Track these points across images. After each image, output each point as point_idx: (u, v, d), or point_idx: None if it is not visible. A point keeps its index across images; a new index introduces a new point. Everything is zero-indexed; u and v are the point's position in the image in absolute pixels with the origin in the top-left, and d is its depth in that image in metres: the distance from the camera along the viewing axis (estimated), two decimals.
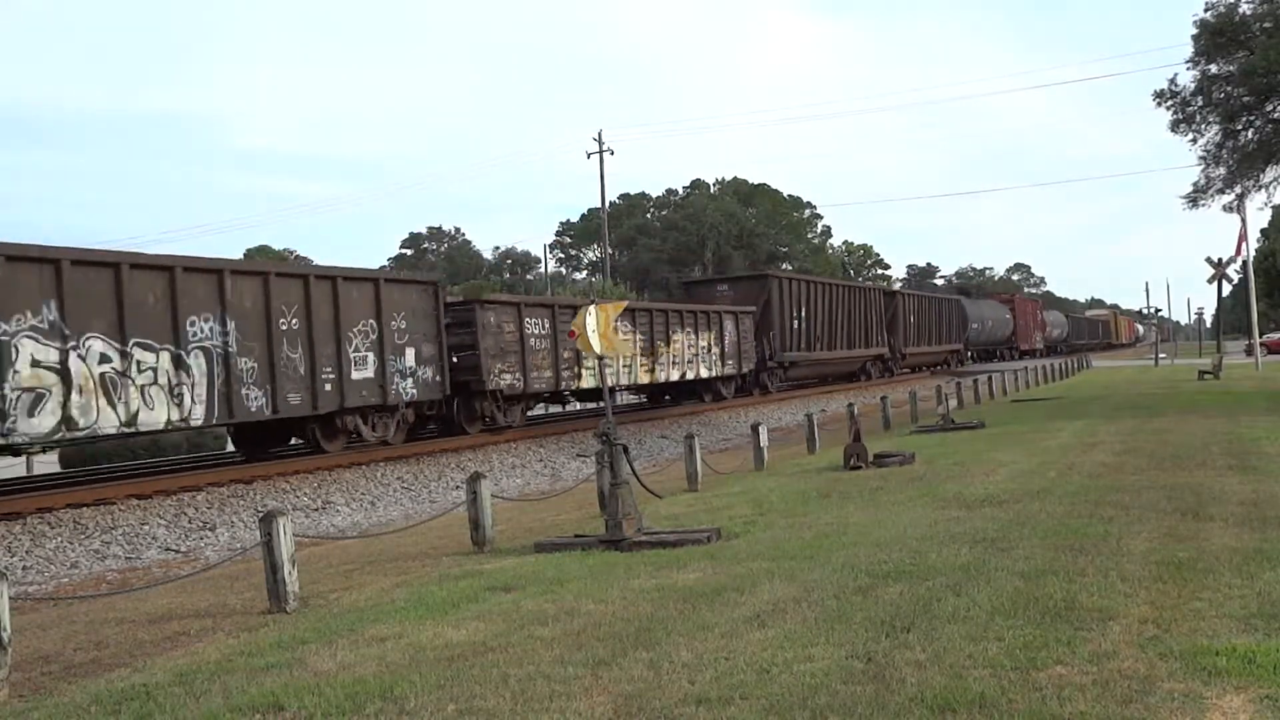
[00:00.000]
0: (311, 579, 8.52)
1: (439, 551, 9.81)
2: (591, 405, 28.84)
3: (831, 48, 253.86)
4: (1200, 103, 26.36)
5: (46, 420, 13.33)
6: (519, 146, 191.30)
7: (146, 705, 5.16)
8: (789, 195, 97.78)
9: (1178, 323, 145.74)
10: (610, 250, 74.44)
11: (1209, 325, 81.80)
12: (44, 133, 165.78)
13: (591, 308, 9.50)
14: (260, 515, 8.09)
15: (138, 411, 14.43)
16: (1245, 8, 25.58)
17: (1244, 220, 39.47)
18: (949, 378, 39.35)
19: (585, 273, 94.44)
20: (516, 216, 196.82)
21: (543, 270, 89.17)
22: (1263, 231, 72.61)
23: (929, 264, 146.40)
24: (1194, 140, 27.24)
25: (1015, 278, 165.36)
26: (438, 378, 20.29)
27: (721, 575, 7.22)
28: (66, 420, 13.55)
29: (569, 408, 29.17)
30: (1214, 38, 25.39)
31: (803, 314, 36.38)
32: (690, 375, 29.77)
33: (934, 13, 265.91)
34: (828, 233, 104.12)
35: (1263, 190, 28.73)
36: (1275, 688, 4.34)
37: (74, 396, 13.63)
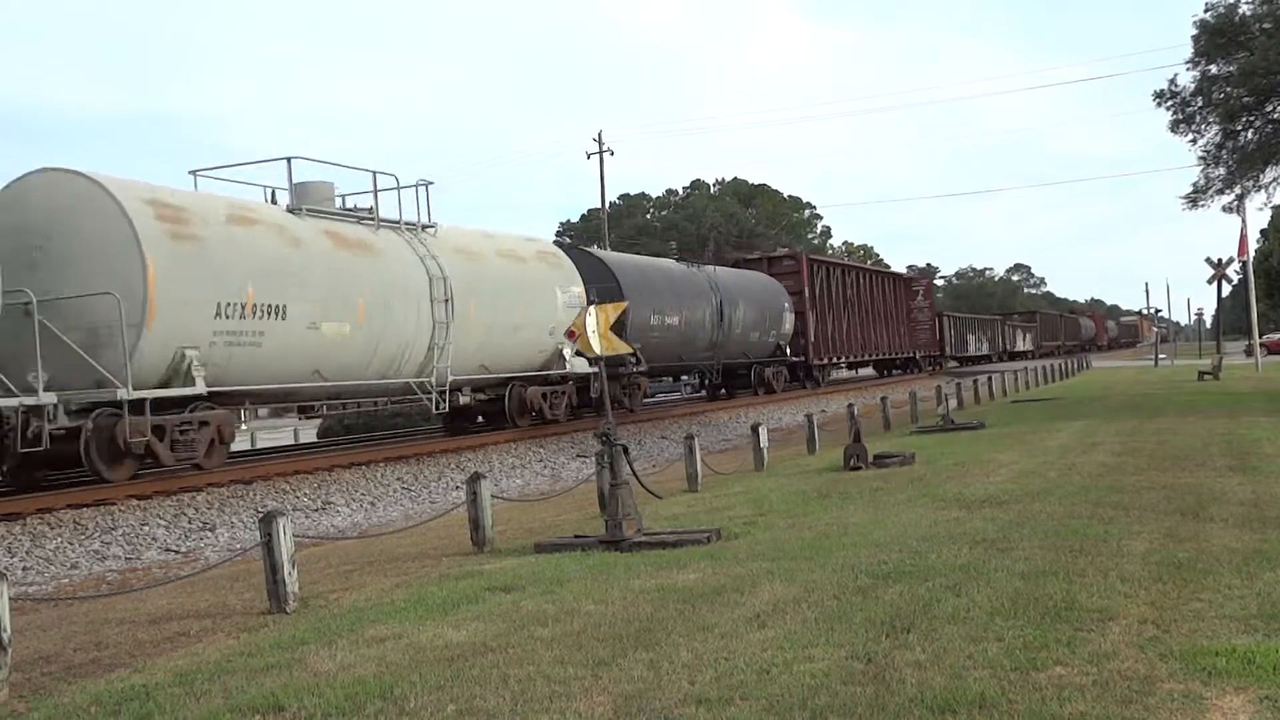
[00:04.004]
0: (311, 579, 8.52)
1: (439, 552, 9.80)
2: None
3: (832, 48, 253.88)
4: (1200, 103, 26.34)
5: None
6: (519, 146, 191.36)
7: (146, 706, 5.16)
8: (789, 195, 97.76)
9: (1177, 323, 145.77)
10: (610, 250, 74.30)
11: (1209, 326, 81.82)
12: (43, 133, 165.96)
13: (591, 308, 9.51)
14: (260, 515, 8.09)
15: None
16: (1245, 8, 25.58)
17: (1244, 221, 39.46)
18: (949, 378, 40.00)
19: None
20: (516, 216, 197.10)
21: None
22: (1262, 232, 72.62)
23: (929, 264, 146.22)
24: (1194, 140, 27.23)
25: (1015, 278, 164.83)
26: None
27: (721, 576, 7.22)
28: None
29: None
30: (1214, 38, 25.37)
31: (1051, 328, 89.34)
32: (1021, 349, 74.27)
33: (934, 13, 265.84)
34: (828, 233, 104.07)
35: (1263, 190, 28.71)
36: (1275, 688, 4.34)
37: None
